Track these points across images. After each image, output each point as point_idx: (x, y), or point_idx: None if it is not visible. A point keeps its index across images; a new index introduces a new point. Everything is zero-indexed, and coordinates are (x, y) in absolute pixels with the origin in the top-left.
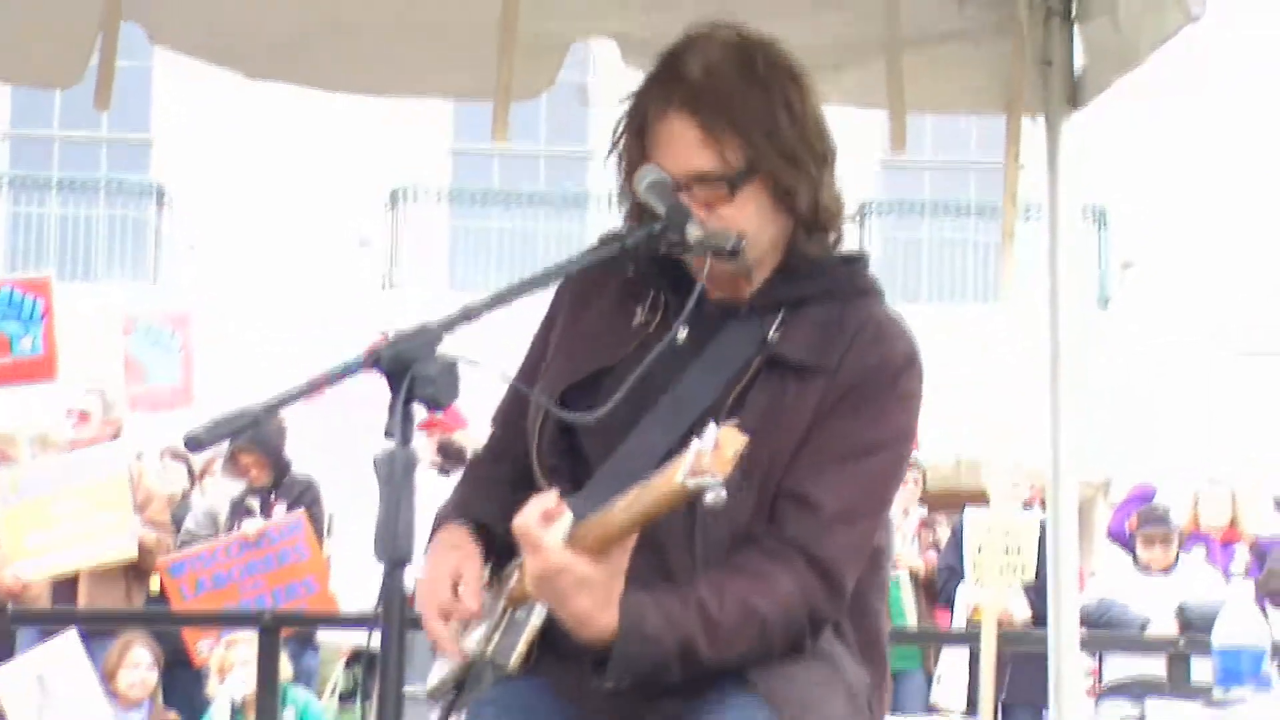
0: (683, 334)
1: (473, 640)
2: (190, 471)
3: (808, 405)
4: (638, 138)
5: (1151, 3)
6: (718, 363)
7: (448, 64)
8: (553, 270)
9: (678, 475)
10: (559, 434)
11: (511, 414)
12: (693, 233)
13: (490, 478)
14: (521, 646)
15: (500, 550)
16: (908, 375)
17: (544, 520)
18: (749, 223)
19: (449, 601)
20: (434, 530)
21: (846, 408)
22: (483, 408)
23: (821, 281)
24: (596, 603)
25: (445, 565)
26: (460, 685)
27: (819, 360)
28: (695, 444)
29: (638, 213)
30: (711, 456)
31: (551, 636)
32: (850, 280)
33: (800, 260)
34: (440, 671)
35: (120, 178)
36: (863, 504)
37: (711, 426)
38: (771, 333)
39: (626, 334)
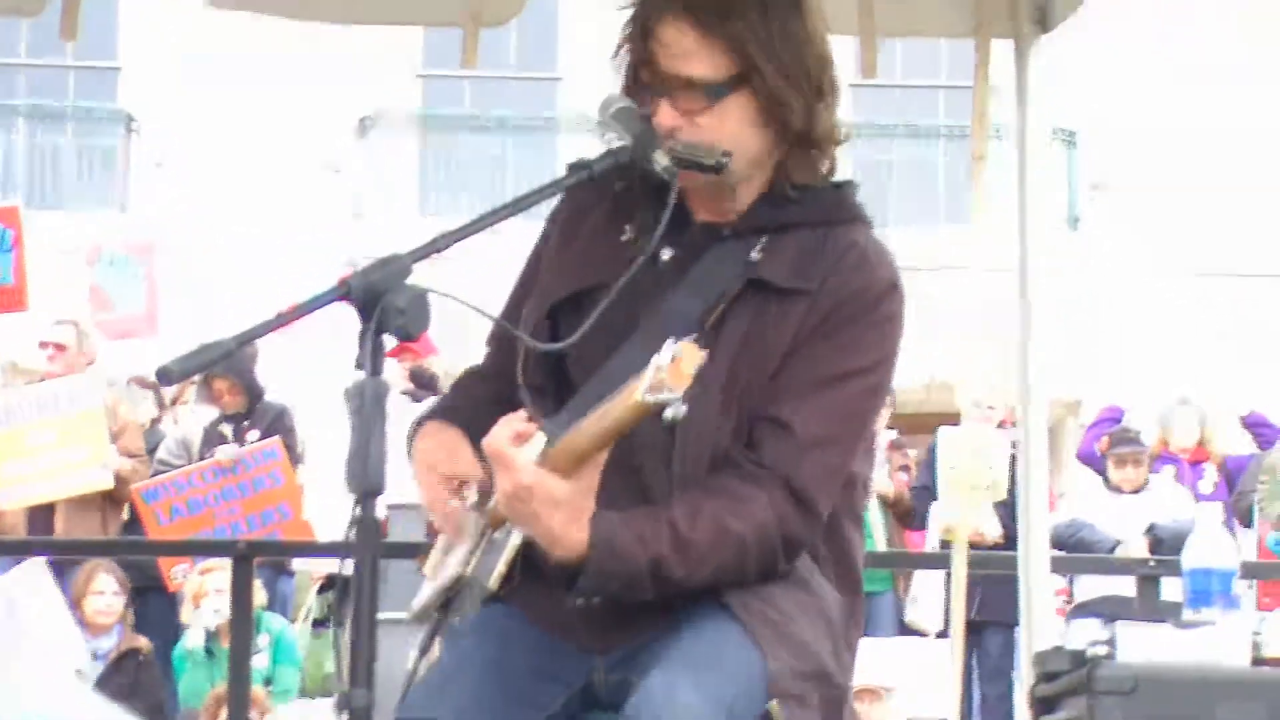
0: (666, 254)
1: (454, 562)
2: (159, 399)
3: (788, 327)
4: (642, 40)
5: None
6: (701, 284)
7: None
8: (522, 199)
9: (638, 392)
10: (545, 354)
11: (501, 339)
12: (660, 160)
13: (478, 395)
14: (501, 567)
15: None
16: (889, 301)
17: (515, 440)
18: (728, 136)
19: (448, 465)
20: (414, 429)
21: (827, 332)
22: (454, 335)
23: (808, 207)
24: (567, 520)
25: (438, 438)
26: (445, 607)
27: (800, 283)
28: (654, 359)
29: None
30: (669, 370)
31: (528, 563)
32: (837, 206)
33: (787, 184)
34: (424, 594)
35: (87, 105)
36: (840, 429)
37: (669, 342)
38: (754, 254)
39: (616, 251)
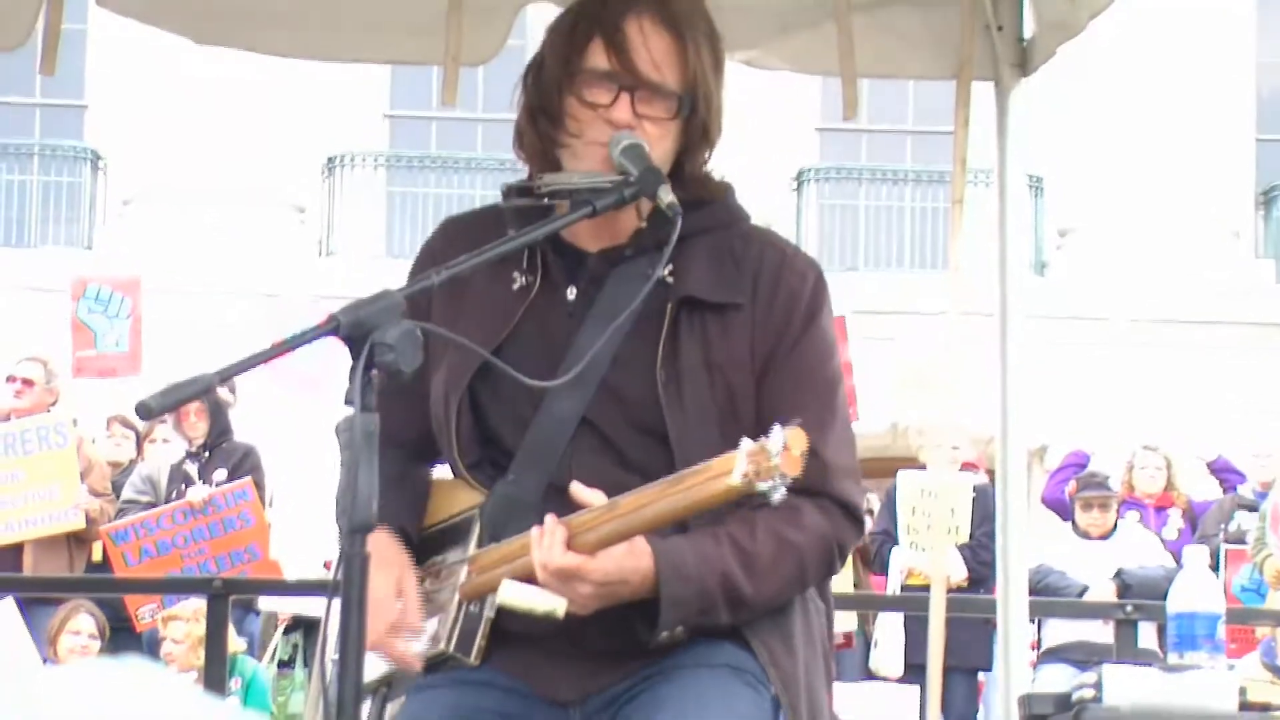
0: (571, 293)
1: (425, 637)
2: (138, 439)
3: (738, 345)
4: (589, 30)
5: None
6: (611, 312)
7: (395, 30)
8: (521, 234)
9: (733, 477)
10: (474, 428)
11: (390, 402)
12: (664, 197)
13: (395, 472)
14: (481, 640)
15: (418, 547)
16: (823, 292)
17: (566, 548)
18: (664, 151)
19: (399, 618)
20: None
21: (795, 336)
22: None
23: (704, 215)
24: (634, 568)
25: (387, 584)
26: (390, 681)
27: (729, 295)
28: (748, 444)
29: (530, 113)
30: (783, 458)
31: (500, 623)
32: (726, 209)
33: (680, 195)
34: (373, 669)
35: (54, 143)
36: (845, 431)
37: (777, 427)
38: (662, 271)
39: (512, 302)
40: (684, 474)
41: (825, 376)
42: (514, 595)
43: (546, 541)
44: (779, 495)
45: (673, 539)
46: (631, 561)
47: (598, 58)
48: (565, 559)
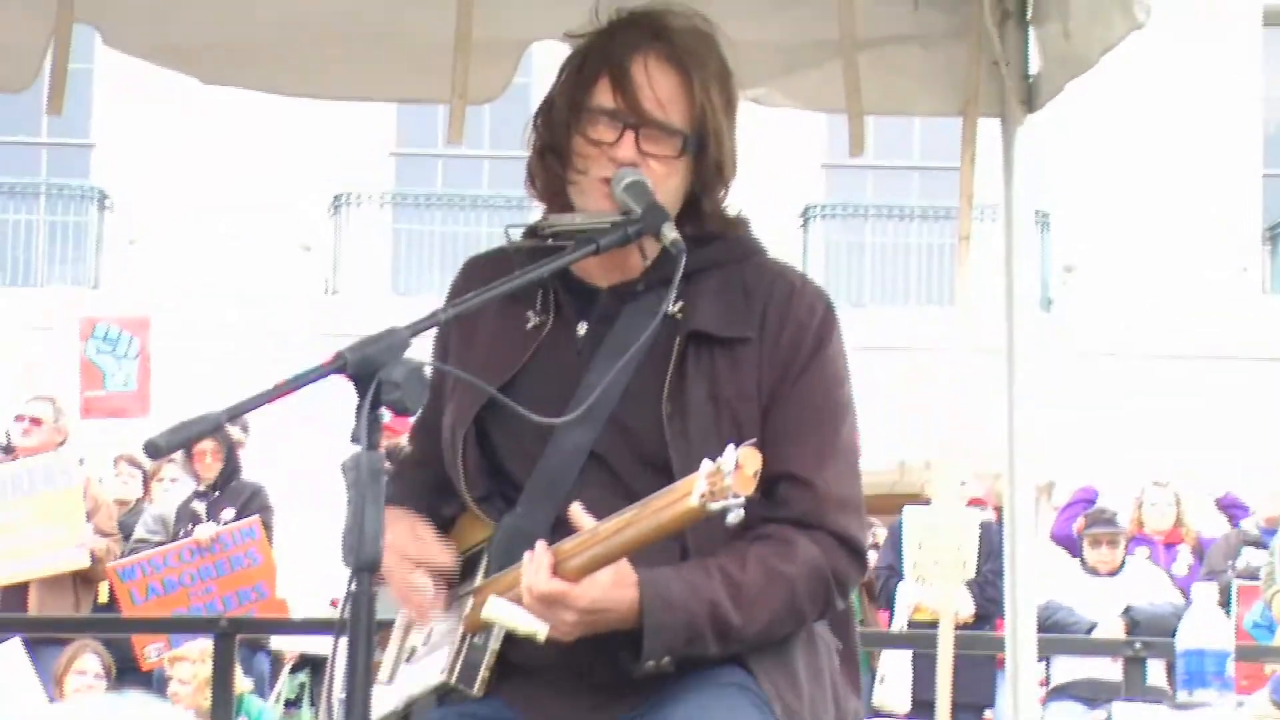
0: (581, 329)
1: (429, 671)
2: (145, 478)
3: (746, 377)
4: (596, 68)
5: (1100, 8)
6: (621, 348)
7: (402, 68)
8: (527, 271)
9: (692, 498)
10: (481, 459)
11: (429, 423)
12: (668, 234)
13: (417, 480)
14: (484, 672)
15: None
16: (831, 317)
17: (551, 572)
18: (671, 190)
19: (417, 551)
20: None
21: (801, 368)
22: None
23: (715, 250)
24: (619, 599)
25: (403, 523)
26: (406, 716)
27: (738, 329)
28: (708, 464)
29: (540, 152)
30: (735, 477)
31: (505, 655)
32: (739, 243)
33: (687, 231)
34: (384, 706)
35: (61, 183)
36: (848, 466)
37: (730, 447)
38: (672, 308)
39: (524, 340)
40: (654, 497)
41: (829, 408)
42: (498, 612)
43: (533, 567)
44: (734, 516)
45: (660, 569)
46: (616, 592)
47: (603, 96)
48: (550, 585)
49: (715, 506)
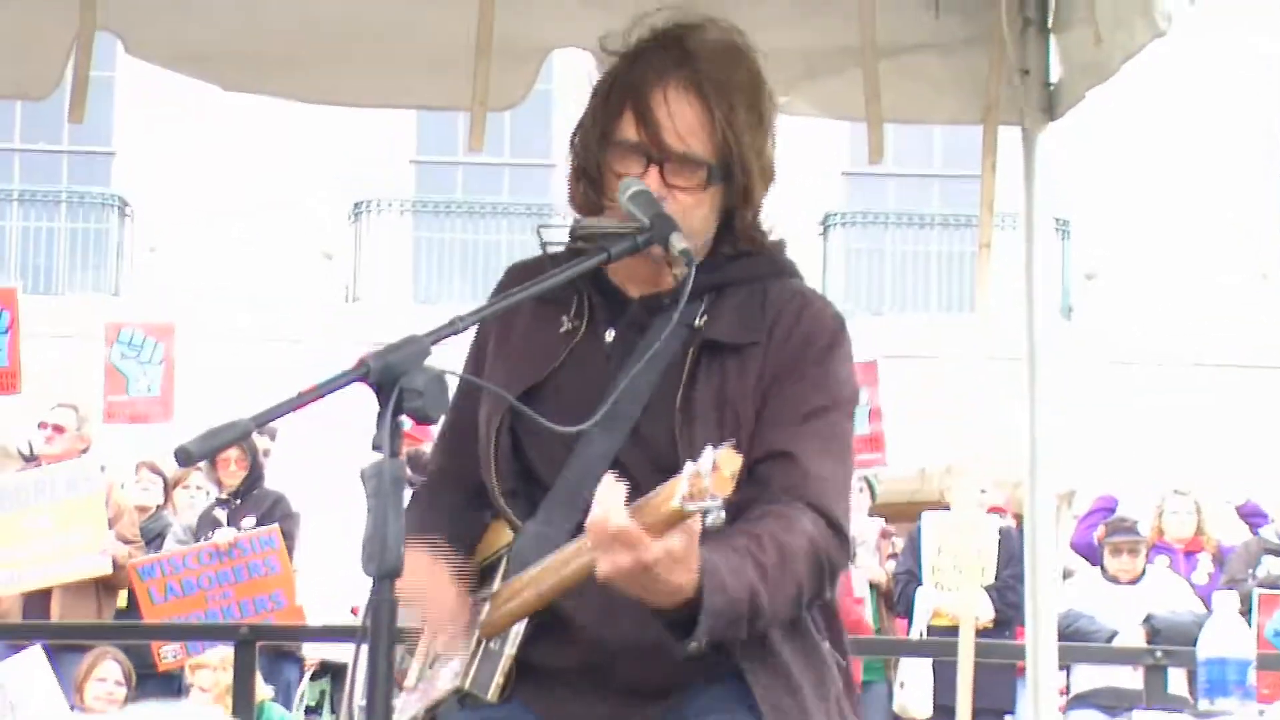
0: (610, 336)
1: (448, 674)
2: (165, 485)
3: (749, 379)
4: (641, 100)
5: (1123, 15)
6: (650, 358)
7: (423, 75)
8: (544, 278)
9: (674, 500)
10: (512, 458)
11: (453, 444)
12: (677, 244)
13: (438, 503)
14: (499, 678)
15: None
16: (842, 335)
17: (624, 509)
18: (700, 218)
19: (433, 611)
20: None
21: (798, 374)
22: None
23: (743, 265)
24: (678, 576)
25: (423, 577)
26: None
27: (749, 336)
28: (690, 466)
29: (576, 174)
30: (711, 478)
31: (526, 658)
32: (770, 263)
33: (724, 250)
34: (407, 710)
35: (81, 190)
36: (835, 448)
37: (709, 449)
38: (698, 320)
39: (557, 343)
40: (647, 498)
41: (823, 405)
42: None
43: (610, 497)
44: (714, 518)
45: (708, 553)
46: (680, 565)
47: (628, 129)
48: (627, 523)
49: (693, 508)
